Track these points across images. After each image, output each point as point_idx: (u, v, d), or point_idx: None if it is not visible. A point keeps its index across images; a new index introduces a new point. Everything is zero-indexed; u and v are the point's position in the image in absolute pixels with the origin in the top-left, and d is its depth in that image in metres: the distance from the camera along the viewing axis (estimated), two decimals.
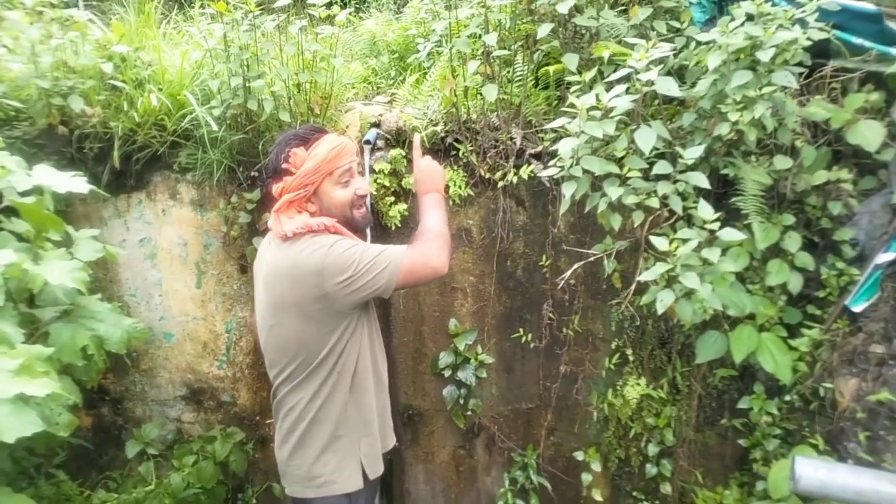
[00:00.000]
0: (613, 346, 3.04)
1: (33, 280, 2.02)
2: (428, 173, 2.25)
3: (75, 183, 2.24)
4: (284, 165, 2.02)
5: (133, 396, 3.37)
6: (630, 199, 2.35)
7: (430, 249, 1.99)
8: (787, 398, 2.67)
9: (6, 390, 1.52)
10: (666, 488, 3.07)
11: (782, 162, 2.45)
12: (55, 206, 2.57)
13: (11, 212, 2.25)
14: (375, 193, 2.86)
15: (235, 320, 3.22)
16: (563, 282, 2.83)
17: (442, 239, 2.04)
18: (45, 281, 2.03)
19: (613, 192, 2.33)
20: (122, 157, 2.96)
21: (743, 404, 2.77)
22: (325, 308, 1.96)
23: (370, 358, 2.14)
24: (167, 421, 3.40)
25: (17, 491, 2.08)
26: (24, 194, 2.18)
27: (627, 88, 2.32)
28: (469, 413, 3.22)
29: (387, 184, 2.87)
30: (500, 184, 2.87)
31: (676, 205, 2.33)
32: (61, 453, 3.00)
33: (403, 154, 2.91)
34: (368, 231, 2.79)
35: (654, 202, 2.33)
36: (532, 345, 3.12)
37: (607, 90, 2.31)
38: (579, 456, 3.20)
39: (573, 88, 2.45)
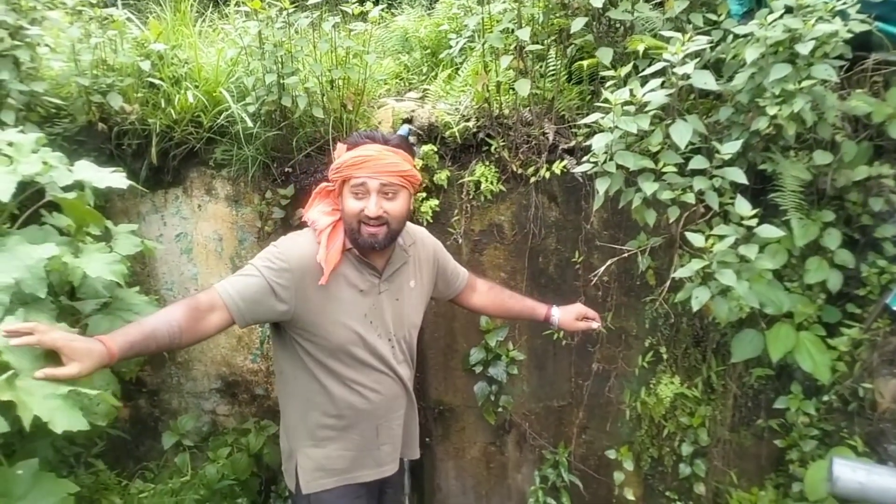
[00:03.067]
0: (647, 343, 3.01)
1: (73, 273, 2.07)
2: None
3: (115, 178, 2.29)
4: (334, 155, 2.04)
5: (169, 389, 3.44)
6: (665, 195, 2.31)
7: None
8: (826, 398, 2.61)
9: (58, 388, 1.57)
10: (700, 489, 3.03)
11: (822, 157, 2.39)
12: (95, 201, 2.63)
13: (53, 207, 2.30)
14: None
15: None
16: (595, 278, 2.81)
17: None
18: (85, 274, 2.08)
19: (648, 187, 2.29)
20: (160, 154, 3.02)
21: (780, 404, 2.71)
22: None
23: (325, 381, 2.02)
24: (202, 413, 3.46)
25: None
26: (65, 190, 2.23)
27: (663, 82, 2.28)
28: (500, 410, 3.22)
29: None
30: (533, 179, 2.86)
31: (713, 200, 2.29)
32: (100, 443, 3.07)
33: (435, 150, 2.91)
34: None
35: (689, 198, 2.29)
36: (564, 342, 3.10)
37: (642, 84, 2.28)
38: (611, 454, 3.17)
39: (607, 83, 2.42)
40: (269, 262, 1.91)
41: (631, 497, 3.19)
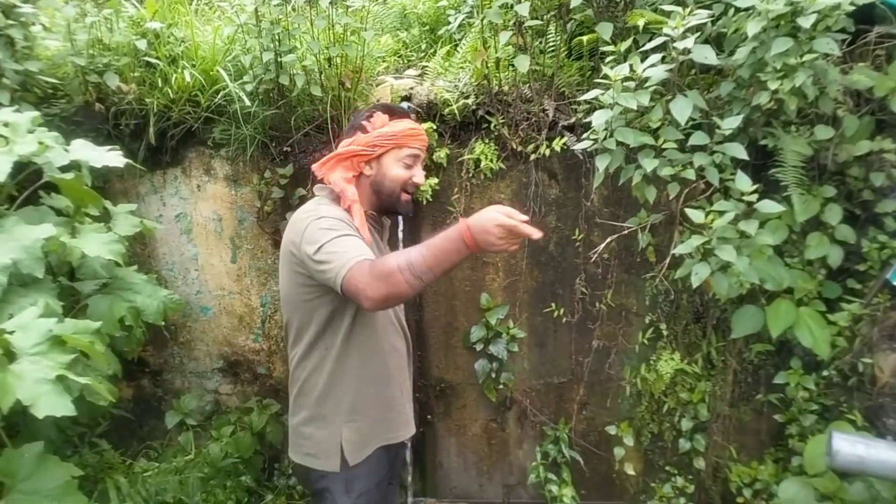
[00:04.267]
0: (647, 320, 3.01)
1: (72, 253, 2.07)
2: (486, 228, 1.74)
3: (112, 157, 2.28)
4: (363, 122, 2.00)
5: (172, 368, 3.45)
6: (665, 171, 2.30)
7: (371, 283, 1.69)
8: (825, 373, 2.63)
9: (48, 373, 1.57)
10: (699, 463, 3.06)
11: (823, 132, 2.38)
12: (93, 182, 2.63)
13: (51, 187, 2.30)
14: None
15: (270, 294, 3.27)
16: (596, 256, 2.81)
17: (392, 280, 1.69)
18: (83, 254, 2.08)
19: (648, 163, 2.29)
20: (158, 134, 3.00)
21: (779, 379, 2.73)
22: (301, 271, 1.89)
23: (364, 347, 2.01)
24: (205, 392, 3.48)
25: (62, 459, 2.15)
26: (62, 170, 2.22)
27: (663, 58, 2.27)
28: (501, 387, 3.23)
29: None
30: (533, 157, 2.85)
31: (713, 176, 2.28)
32: (104, 423, 3.09)
33: (434, 127, 2.89)
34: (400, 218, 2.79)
35: (690, 174, 2.28)
36: (564, 319, 3.10)
37: (642, 60, 2.26)
38: (612, 430, 3.19)
39: (607, 58, 2.40)
40: (344, 224, 1.87)
41: (631, 472, 3.21)
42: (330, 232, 1.81)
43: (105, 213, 2.47)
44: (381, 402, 2.07)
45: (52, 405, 1.57)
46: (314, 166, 2.06)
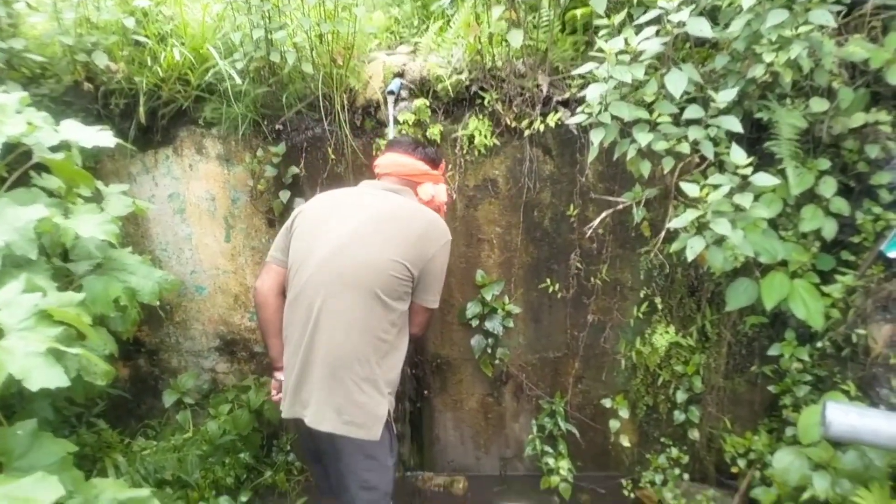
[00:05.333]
0: (642, 294, 3.03)
1: (65, 234, 2.05)
2: None
3: (102, 137, 2.25)
4: (440, 164, 2.52)
5: (168, 348, 3.46)
6: (660, 146, 2.30)
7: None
8: (819, 345, 2.65)
9: (38, 346, 1.56)
10: (694, 434, 3.09)
11: (818, 104, 2.37)
12: (84, 162, 2.60)
13: (42, 168, 2.27)
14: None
15: None
16: (591, 231, 2.81)
17: None
18: (77, 234, 2.07)
19: (643, 138, 2.28)
20: (148, 113, 2.97)
21: (773, 351, 2.75)
22: (411, 269, 2.17)
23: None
24: (202, 371, 3.49)
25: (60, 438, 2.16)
26: (52, 150, 2.20)
27: (658, 31, 2.25)
28: (497, 362, 3.25)
29: (411, 134, 2.84)
30: (527, 133, 2.83)
31: (708, 150, 2.28)
32: (101, 403, 3.10)
33: (427, 104, 2.87)
34: None
35: (684, 148, 2.28)
36: (559, 294, 3.11)
37: (636, 33, 2.24)
38: (607, 403, 3.22)
39: (601, 32, 2.38)
40: None
41: (626, 444, 3.25)
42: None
43: (97, 193, 2.45)
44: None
45: (45, 377, 1.57)
46: (402, 167, 2.39)
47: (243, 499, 3.13)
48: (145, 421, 3.42)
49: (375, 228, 2.18)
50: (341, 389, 2.08)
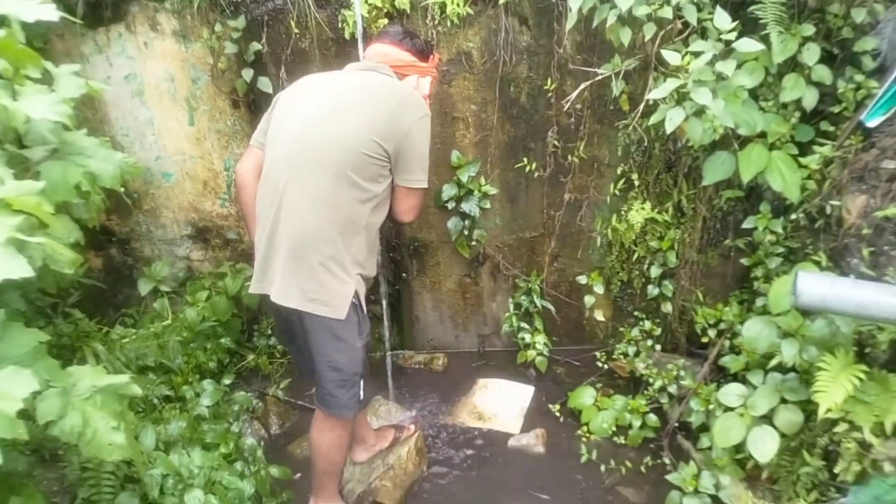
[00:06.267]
0: (619, 171, 2.99)
1: (15, 117, 1.93)
2: None
3: (44, 10, 2.07)
4: (429, 55, 2.35)
5: (139, 237, 3.40)
6: (641, 11, 2.19)
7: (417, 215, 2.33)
8: (793, 217, 2.66)
9: (0, 236, 1.49)
10: (667, 307, 3.16)
11: None
12: (32, 43, 2.41)
13: None
14: (367, 16, 2.67)
15: (233, 157, 3.16)
16: (568, 105, 2.73)
17: None
18: (28, 117, 1.94)
19: (624, 2, 2.16)
20: None
21: (748, 224, 2.76)
22: (385, 146, 2.07)
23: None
24: (176, 259, 3.45)
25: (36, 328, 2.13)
26: None
27: None
28: (474, 243, 3.25)
29: (378, 4, 2.67)
30: (502, 0, 2.67)
31: (691, 15, 2.18)
32: (75, 293, 3.06)
33: None
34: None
35: (667, 12, 2.17)
36: (536, 174, 3.07)
37: None
38: (582, 280, 3.27)
39: None
40: None
41: (601, 318, 3.33)
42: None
43: (46, 74, 2.29)
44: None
45: (8, 268, 1.51)
46: (388, 58, 2.25)
47: (227, 381, 3.18)
48: (122, 310, 3.41)
49: (345, 104, 2.09)
50: (305, 268, 2.06)
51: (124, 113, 3.08)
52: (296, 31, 2.81)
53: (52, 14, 2.10)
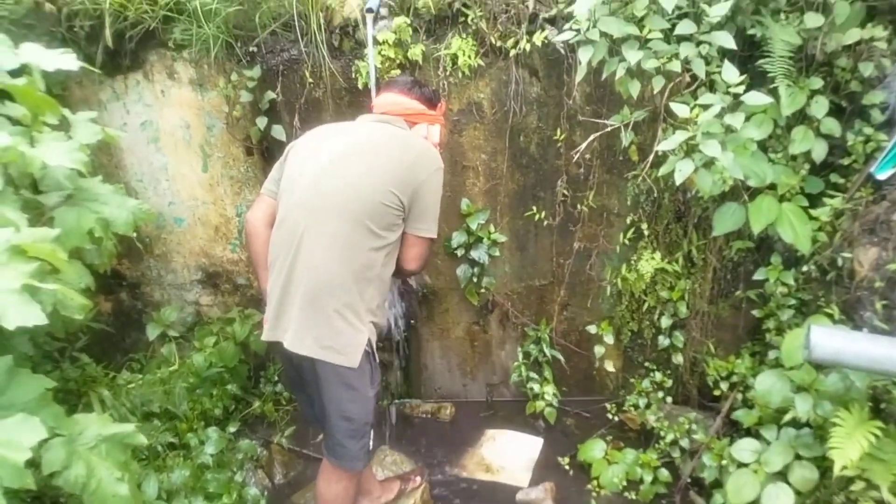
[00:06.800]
0: (628, 220, 2.99)
1: (32, 164, 1.96)
2: None
3: (64, 60, 2.13)
4: (437, 103, 2.42)
5: (150, 281, 3.41)
6: (650, 64, 2.21)
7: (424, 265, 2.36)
8: (805, 269, 2.64)
9: (12, 283, 1.51)
10: (678, 359, 3.12)
11: (813, 19, 2.28)
12: (50, 90, 2.47)
13: (5, 96, 2.16)
14: (380, 66, 2.72)
15: (245, 203, 3.19)
16: (577, 155, 2.75)
17: None
18: (44, 163, 1.97)
19: (632, 55, 2.19)
20: (115, 36, 2.83)
21: (759, 275, 2.74)
22: (399, 196, 2.09)
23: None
24: (185, 304, 3.46)
25: (43, 374, 2.12)
26: (13, 75, 2.08)
27: None
28: (483, 291, 3.24)
29: (392, 55, 2.72)
30: (512, 52, 2.72)
31: (699, 68, 2.20)
32: (83, 338, 3.07)
33: (408, 22, 2.74)
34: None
35: (675, 66, 2.20)
36: (545, 222, 3.07)
37: None
38: (592, 329, 3.24)
39: None
40: None
41: (611, 368, 3.29)
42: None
43: (64, 121, 2.34)
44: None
45: (22, 315, 1.52)
46: (398, 106, 2.30)
47: (232, 429, 3.16)
48: (130, 355, 3.40)
49: (364, 154, 2.12)
50: (321, 315, 2.05)
51: (139, 159, 3.13)
52: (310, 80, 2.87)
53: (73, 63, 2.17)
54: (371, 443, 2.28)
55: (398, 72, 2.77)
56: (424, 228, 2.19)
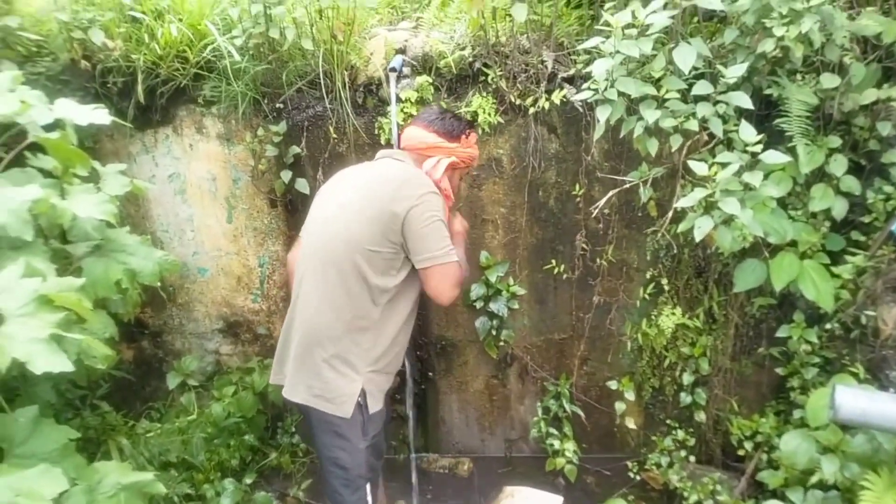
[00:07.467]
0: (648, 275, 2.98)
1: (62, 215, 2.02)
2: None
3: (97, 115, 2.22)
4: (461, 136, 2.37)
5: (171, 330, 3.45)
6: (668, 123, 2.24)
7: (455, 291, 2.28)
8: (828, 326, 2.61)
9: (40, 332, 1.54)
10: (700, 416, 3.06)
11: (830, 80, 2.30)
12: (82, 142, 2.56)
13: (37, 148, 2.24)
14: (402, 123, 2.78)
15: (268, 254, 3.24)
16: (596, 211, 2.76)
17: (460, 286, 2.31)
18: (74, 215, 2.04)
19: (650, 115, 2.22)
20: (147, 92, 2.93)
21: (782, 333, 2.71)
22: (396, 230, 2.10)
23: (409, 310, 2.27)
24: (206, 353, 3.48)
25: (63, 422, 2.15)
26: (47, 130, 2.17)
27: (665, 4, 2.18)
28: (502, 344, 3.22)
29: (414, 112, 2.79)
30: (532, 110, 2.77)
31: (717, 127, 2.22)
32: (104, 385, 3.10)
33: (430, 81, 2.81)
34: None
35: (692, 125, 2.22)
36: (565, 276, 3.07)
37: (644, 6, 2.18)
38: (613, 385, 3.20)
39: (607, 5, 2.32)
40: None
41: (632, 426, 3.23)
42: (440, 213, 2.15)
43: (94, 173, 2.42)
44: (399, 359, 2.28)
45: (49, 363, 1.56)
46: (413, 141, 2.34)
47: (248, 481, 3.13)
48: (149, 403, 3.42)
49: (360, 200, 2.16)
50: (311, 363, 2.10)
51: (166, 210, 3.21)
52: (334, 135, 2.94)
53: (105, 118, 2.25)
54: (370, 497, 2.25)
55: None
56: (424, 258, 2.14)
